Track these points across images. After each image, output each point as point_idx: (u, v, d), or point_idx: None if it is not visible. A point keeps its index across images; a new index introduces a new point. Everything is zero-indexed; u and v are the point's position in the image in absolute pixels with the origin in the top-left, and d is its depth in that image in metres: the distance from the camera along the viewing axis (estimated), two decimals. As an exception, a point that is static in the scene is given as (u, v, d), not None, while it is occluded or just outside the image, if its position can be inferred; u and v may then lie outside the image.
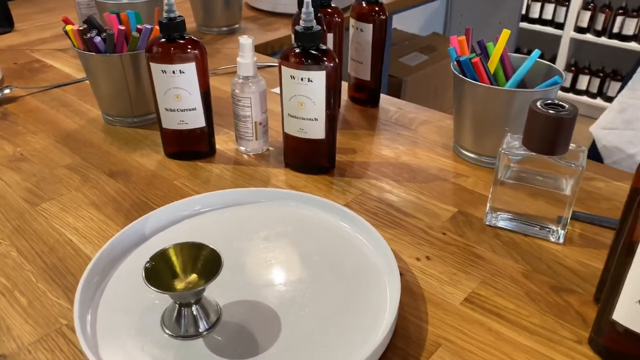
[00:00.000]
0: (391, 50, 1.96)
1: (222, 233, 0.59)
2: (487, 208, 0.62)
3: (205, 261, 0.47)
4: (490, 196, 0.61)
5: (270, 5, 1.37)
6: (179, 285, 0.46)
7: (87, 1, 1.15)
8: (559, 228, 0.59)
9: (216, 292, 0.50)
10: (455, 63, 0.70)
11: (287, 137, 0.71)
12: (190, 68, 0.68)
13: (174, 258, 0.47)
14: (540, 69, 0.72)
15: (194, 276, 0.47)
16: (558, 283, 0.54)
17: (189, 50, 0.68)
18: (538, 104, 0.55)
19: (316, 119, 0.68)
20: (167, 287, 0.45)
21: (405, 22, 2.29)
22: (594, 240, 0.60)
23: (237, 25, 1.28)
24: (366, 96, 0.91)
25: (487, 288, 0.53)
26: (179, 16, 0.67)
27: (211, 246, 0.47)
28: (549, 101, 0.56)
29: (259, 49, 1.18)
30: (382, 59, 0.88)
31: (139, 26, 0.79)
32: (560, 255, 0.58)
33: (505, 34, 0.70)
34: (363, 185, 0.70)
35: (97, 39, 0.76)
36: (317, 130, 0.69)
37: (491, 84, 0.69)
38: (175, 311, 0.47)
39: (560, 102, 0.56)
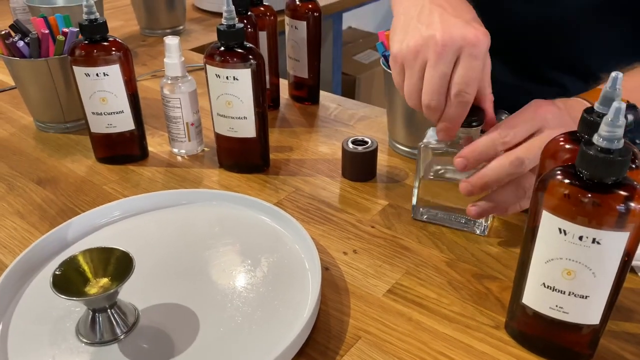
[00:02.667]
0: (345, 48, 1.97)
1: (144, 237, 0.58)
2: (413, 202, 0.62)
3: (117, 264, 0.46)
4: (414, 191, 0.61)
5: (215, 5, 1.36)
6: (92, 290, 0.45)
7: (22, 6, 1.12)
8: (482, 220, 0.59)
9: (135, 296, 0.49)
10: (382, 58, 0.71)
11: (218, 137, 0.71)
12: (115, 70, 0.67)
13: (84, 264, 0.46)
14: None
15: (105, 280, 0.46)
16: (480, 270, 0.55)
17: (112, 52, 0.67)
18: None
19: (245, 118, 0.67)
20: (78, 294, 0.44)
21: (360, 20, 2.30)
22: (518, 227, 0.61)
23: (181, 27, 1.26)
24: (305, 94, 0.91)
25: (411, 279, 0.54)
26: (100, 17, 0.66)
27: (121, 249, 0.46)
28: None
29: (204, 49, 1.17)
30: (319, 56, 0.88)
31: (64, 29, 0.77)
32: (485, 243, 0.59)
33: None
34: (297, 183, 0.70)
35: (21, 44, 0.74)
36: (247, 129, 0.68)
37: (419, 77, 0.70)
38: (90, 317, 0.46)
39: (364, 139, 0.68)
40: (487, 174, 0.51)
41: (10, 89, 0.98)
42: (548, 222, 0.40)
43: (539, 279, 0.42)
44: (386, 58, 0.70)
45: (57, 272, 0.45)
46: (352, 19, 2.23)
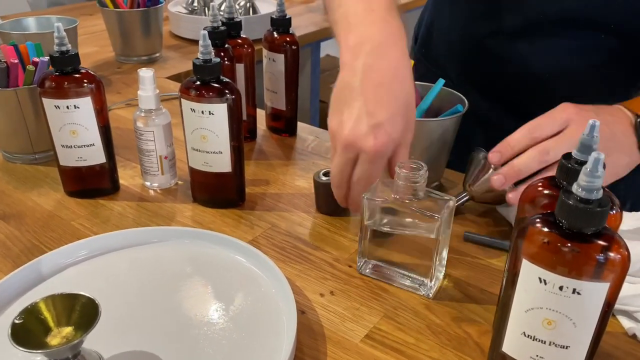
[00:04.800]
0: (323, 76, 1.97)
1: (112, 278, 0.56)
2: (358, 255, 0.59)
3: (81, 311, 0.43)
4: (359, 242, 0.58)
5: (192, 33, 1.35)
6: (54, 340, 0.43)
7: (-7, 31, 1.09)
8: (428, 281, 0.55)
9: (100, 343, 0.46)
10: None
11: (192, 171, 0.69)
12: (86, 103, 0.65)
13: (45, 312, 0.43)
14: (450, 96, 0.73)
15: (69, 330, 0.43)
16: (459, 313, 0.54)
17: (84, 84, 0.65)
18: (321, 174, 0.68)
19: (221, 152, 0.66)
20: (39, 344, 0.42)
21: (337, 48, 2.31)
22: (498, 268, 0.60)
23: (157, 54, 1.25)
24: (283, 125, 0.91)
25: (389, 322, 0.53)
26: (72, 49, 0.64)
27: (87, 295, 0.44)
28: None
29: (180, 77, 1.16)
30: (297, 88, 0.88)
31: (34, 59, 0.75)
32: (464, 285, 0.58)
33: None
34: (273, 219, 0.68)
35: (-12, 73, 0.72)
36: (222, 164, 0.67)
37: (396, 113, 0.69)
38: (51, 369, 0.44)
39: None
40: (516, 163, 0.57)
41: (-23, 117, 0.94)
42: (528, 270, 0.39)
43: (519, 327, 0.41)
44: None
45: (16, 321, 0.42)
46: (329, 47, 2.24)
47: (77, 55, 0.65)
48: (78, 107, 0.65)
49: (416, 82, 0.74)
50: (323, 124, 0.96)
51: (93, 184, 0.71)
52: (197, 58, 0.62)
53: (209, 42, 0.62)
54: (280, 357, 0.46)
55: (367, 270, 0.59)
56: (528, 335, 0.41)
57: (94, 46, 1.31)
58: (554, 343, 0.40)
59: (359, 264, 0.59)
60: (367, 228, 0.57)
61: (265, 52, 0.86)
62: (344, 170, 0.57)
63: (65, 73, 0.65)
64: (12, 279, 0.53)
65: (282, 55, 0.84)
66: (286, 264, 0.60)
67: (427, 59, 0.89)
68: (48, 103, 0.65)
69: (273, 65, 0.85)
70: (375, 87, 0.55)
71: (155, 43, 1.24)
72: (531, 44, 0.73)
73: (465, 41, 0.80)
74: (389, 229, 0.57)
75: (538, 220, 0.39)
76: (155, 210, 0.69)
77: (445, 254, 0.56)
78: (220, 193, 0.70)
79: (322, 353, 0.49)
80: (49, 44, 0.78)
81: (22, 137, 0.77)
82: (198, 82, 0.63)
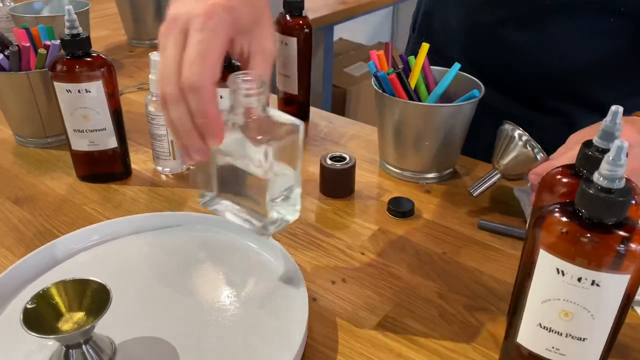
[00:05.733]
0: (336, 60, 1.96)
1: (124, 263, 0.56)
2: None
3: (93, 297, 0.43)
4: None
5: (205, 16, 1.34)
6: (65, 325, 0.43)
7: (5, 14, 1.09)
8: (271, 226, 0.48)
9: (111, 329, 0.46)
10: (374, 78, 0.69)
11: (204, 156, 0.68)
12: (98, 86, 0.65)
13: (57, 297, 0.43)
14: (465, 81, 0.71)
15: (80, 314, 0.43)
16: (473, 302, 0.53)
17: (95, 68, 0.64)
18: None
19: (232, 138, 0.65)
20: (51, 329, 0.42)
21: (351, 31, 2.29)
22: (512, 256, 0.59)
23: (169, 38, 1.24)
24: (295, 110, 0.90)
25: (401, 311, 0.52)
26: (83, 32, 0.64)
27: (98, 280, 0.44)
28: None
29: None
30: (309, 72, 0.87)
31: (46, 42, 0.74)
32: (477, 273, 0.57)
33: (424, 47, 0.70)
34: (285, 205, 0.68)
35: (0, 56, 0.72)
36: (234, 149, 0.66)
37: (411, 99, 0.68)
38: (63, 354, 0.44)
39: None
40: (554, 164, 0.51)
41: (-10, 100, 0.95)
42: (545, 260, 0.38)
43: (535, 318, 0.41)
44: (377, 78, 0.68)
45: (28, 306, 0.42)
46: (342, 31, 2.22)
47: (88, 38, 0.64)
48: (89, 91, 0.65)
49: (434, 67, 0.73)
50: (336, 109, 0.95)
51: (105, 168, 0.71)
52: (209, 41, 0.61)
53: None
54: (292, 344, 0.46)
55: (212, 207, 0.50)
56: (544, 327, 0.40)
57: (106, 29, 1.30)
58: (570, 335, 0.39)
59: (201, 201, 0.51)
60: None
61: (277, 35, 0.84)
62: (173, 62, 0.40)
63: (77, 56, 0.64)
64: (25, 263, 0.53)
65: (295, 39, 0.82)
66: (297, 251, 0.60)
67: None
68: (59, 87, 0.65)
69: (285, 48, 0.84)
70: None
71: (167, 26, 1.23)
72: (540, 31, 0.71)
73: (471, 30, 0.78)
74: (223, 157, 0.47)
75: (557, 209, 0.38)
76: (167, 195, 0.69)
77: (296, 191, 0.49)
78: (231, 178, 0.69)
79: (334, 340, 0.49)
80: (60, 28, 0.78)
81: (35, 121, 0.77)
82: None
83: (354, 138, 0.85)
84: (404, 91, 0.67)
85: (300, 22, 0.82)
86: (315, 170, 0.75)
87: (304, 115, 0.90)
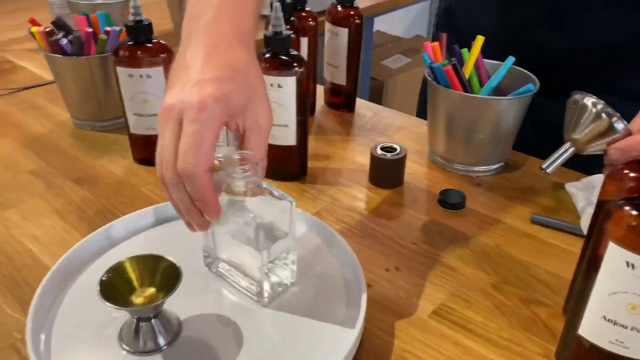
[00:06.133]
0: (373, 52, 1.96)
1: (186, 243, 0.58)
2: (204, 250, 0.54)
3: (163, 273, 0.45)
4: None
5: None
6: (137, 299, 0.45)
7: (60, 1, 1.13)
8: (266, 292, 0.49)
9: (176, 305, 0.48)
10: (428, 69, 0.69)
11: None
12: (158, 72, 0.67)
13: (130, 271, 0.45)
14: (518, 75, 0.71)
15: (152, 290, 0.45)
16: (528, 295, 0.53)
17: (156, 54, 0.66)
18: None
19: (287, 125, 0.66)
20: (124, 302, 0.44)
21: (389, 24, 2.28)
22: (566, 251, 0.59)
23: (215, 27, 1.26)
24: (342, 101, 0.90)
25: (456, 300, 0.53)
26: (146, 19, 0.65)
27: (170, 258, 0.45)
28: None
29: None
30: (358, 63, 0.87)
31: (107, 28, 0.77)
32: (531, 266, 0.57)
33: (480, 40, 0.69)
34: (335, 193, 0.69)
35: (64, 41, 0.74)
36: (287, 137, 0.67)
37: (465, 91, 0.68)
38: (133, 326, 0.46)
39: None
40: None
41: (46, 84, 0.98)
42: (614, 254, 0.38)
43: (600, 311, 0.41)
44: (432, 69, 0.68)
45: (103, 278, 0.44)
46: (380, 23, 2.21)
47: (150, 25, 0.66)
48: (150, 77, 0.67)
49: (487, 60, 0.72)
50: (372, 101, 0.96)
51: (161, 152, 0.73)
52: (268, 30, 0.63)
53: (281, 14, 0.62)
54: (351, 327, 0.47)
55: (214, 270, 0.54)
56: (609, 320, 0.40)
57: (153, 17, 1.32)
58: (636, 328, 0.39)
59: (205, 261, 0.54)
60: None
61: (328, 25, 0.85)
62: (170, 149, 0.42)
63: (139, 43, 0.66)
64: (91, 240, 0.56)
65: (346, 30, 0.83)
66: (350, 238, 0.61)
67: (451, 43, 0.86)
68: (122, 72, 0.67)
69: (335, 39, 0.85)
70: (207, 55, 0.44)
71: (213, 15, 1.25)
72: (572, 25, 0.70)
73: (500, 28, 0.76)
74: (220, 227, 0.50)
75: (626, 203, 0.38)
76: (220, 180, 0.71)
77: (292, 255, 0.51)
78: (283, 166, 0.71)
79: (390, 326, 0.50)
80: (115, 14, 0.81)
81: (92, 105, 0.80)
82: (268, 55, 0.63)
83: (400, 129, 0.85)
84: (459, 83, 0.67)
85: (352, 12, 0.83)
86: (362, 160, 0.76)
87: (350, 106, 0.91)
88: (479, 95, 0.68)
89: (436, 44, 0.70)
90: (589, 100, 0.58)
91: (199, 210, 0.45)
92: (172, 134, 0.42)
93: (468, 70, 0.71)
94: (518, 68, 0.71)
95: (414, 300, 0.52)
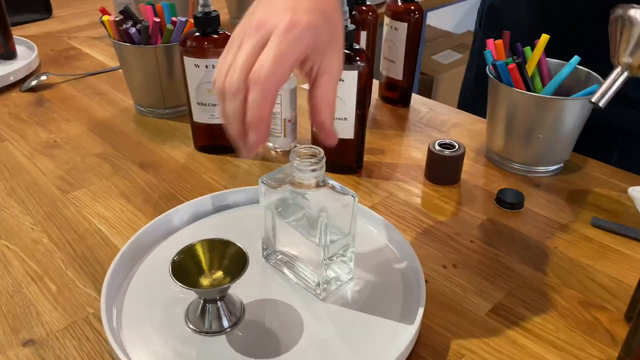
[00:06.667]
0: (424, 47, 1.94)
1: (248, 230, 0.59)
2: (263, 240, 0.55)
3: (231, 259, 0.47)
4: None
5: None
6: (205, 281, 0.47)
7: (124, -10, 1.16)
8: (323, 284, 0.50)
9: (240, 289, 0.50)
10: (491, 67, 0.69)
11: (315, 135, 0.71)
12: (223, 63, 0.68)
13: (201, 254, 0.47)
14: (581, 76, 0.70)
15: (219, 273, 0.47)
16: (587, 298, 0.53)
17: (222, 45, 0.68)
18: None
19: (346, 119, 0.67)
20: (193, 283, 0.46)
21: (440, 19, 2.25)
22: (628, 256, 0.58)
23: (270, 19, 1.27)
24: (397, 96, 0.90)
25: (514, 300, 0.52)
26: (214, 11, 0.67)
27: (238, 244, 0.47)
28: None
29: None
30: (416, 58, 0.87)
31: (173, 18, 0.79)
32: (592, 270, 0.56)
33: (544, 38, 0.68)
34: (390, 187, 0.69)
35: (133, 30, 0.77)
36: (346, 130, 0.68)
37: (528, 90, 0.68)
38: (200, 306, 0.48)
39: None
40: None
41: (109, 71, 1.02)
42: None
43: (669, 319, 0.40)
44: (495, 67, 0.68)
45: (175, 259, 0.46)
46: (431, 18, 2.18)
47: (218, 17, 0.68)
48: (215, 67, 0.68)
49: (549, 59, 0.71)
50: (422, 96, 0.95)
51: (222, 141, 0.75)
52: (333, 24, 0.63)
53: (347, 8, 0.62)
54: (409, 322, 0.48)
55: (272, 262, 0.55)
56: (679, 328, 0.40)
57: (210, 8, 1.35)
58: None
59: (263, 252, 0.55)
60: (266, 213, 0.52)
61: (387, 19, 0.85)
62: (248, 58, 0.42)
63: (206, 34, 0.68)
64: (158, 223, 0.58)
65: (405, 24, 0.83)
66: (405, 233, 0.61)
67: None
68: (188, 61, 0.69)
69: (394, 33, 0.85)
70: None
71: (269, 7, 1.26)
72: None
73: (546, 25, 0.74)
74: (282, 219, 0.51)
75: None
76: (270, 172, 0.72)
77: (350, 252, 0.52)
78: (340, 159, 0.72)
79: (448, 322, 0.50)
80: (179, 4, 0.83)
81: (156, 93, 0.83)
82: (331, 48, 0.64)
83: (456, 126, 0.84)
84: (522, 81, 0.67)
85: (412, 7, 0.83)
86: (418, 155, 0.76)
87: (405, 101, 0.91)
88: (544, 95, 0.67)
89: (499, 41, 0.70)
90: (634, 12, 0.50)
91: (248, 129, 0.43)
92: (254, 46, 0.42)
93: (531, 68, 0.70)
94: (582, 68, 0.70)
95: (471, 298, 0.53)
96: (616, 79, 0.53)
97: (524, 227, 0.62)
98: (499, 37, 0.70)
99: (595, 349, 0.48)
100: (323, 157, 0.48)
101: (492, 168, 0.73)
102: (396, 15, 0.84)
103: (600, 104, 0.53)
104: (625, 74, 0.53)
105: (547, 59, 0.71)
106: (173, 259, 0.46)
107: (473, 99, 1.02)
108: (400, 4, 0.83)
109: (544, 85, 0.71)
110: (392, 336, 0.47)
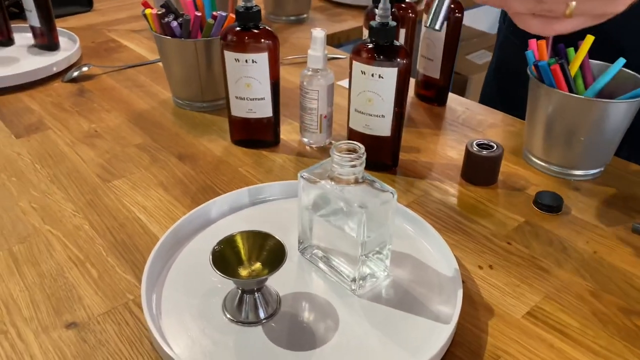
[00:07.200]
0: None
1: (283, 223, 0.60)
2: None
3: (270, 251, 0.47)
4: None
5: (340, -4, 1.36)
6: (243, 272, 0.47)
7: (162, -15, 1.18)
8: (358, 279, 0.50)
9: (276, 281, 0.51)
10: (532, 67, 0.68)
11: (351, 132, 0.71)
12: (263, 58, 0.69)
13: (240, 244, 0.48)
14: (626, 78, 0.68)
15: (258, 264, 0.47)
16: (628, 305, 0.52)
17: (262, 40, 0.69)
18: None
19: (383, 116, 0.67)
20: (232, 273, 0.46)
21: (475, 18, 2.22)
22: (670, 264, 0.57)
23: (305, 15, 1.28)
24: (434, 94, 0.90)
25: (552, 303, 0.52)
26: (255, 6, 0.68)
27: (277, 237, 0.47)
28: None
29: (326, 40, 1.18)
30: (454, 57, 0.86)
31: (214, 13, 0.80)
32: (632, 277, 0.55)
33: (589, 39, 0.67)
34: (426, 186, 0.69)
35: (174, 24, 0.78)
36: (383, 128, 0.68)
37: (570, 91, 0.66)
38: (238, 297, 0.48)
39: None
40: None
41: (148, 64, 1.04)
42: None
43: None
44: (537, 67, 0.67)
45: (215, 249, 0.47)
46: (465, 17, 2.16)
47: (259, 12, 0.68)
48: (255, 62, 0.69)
49: (592, 61, 0.70)
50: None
51: (258, 135, 0.76)
52: (374, 20, 0.63)
53: (389, 5, 0.62)
54: (445, 321, 0.48)
55: (308, 257, 0.55)
56: None
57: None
58: None
59: (299, 247, 0.56)
60: (303, 208, 0.53)
61: (426, 17, 0.85)
62: None
63: (247, 28, 0.69)
64: (197, 213, 0.59)
65: (445, 22, 0.82)
66: (441, 233, 0.61)
67: (516, 36, 0.80)
68: (229, 56, 0.70)
69: (433, 32, 0.84)
70: None
71: (304, 4, 1.27)
72: None
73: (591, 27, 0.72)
74: (319, 214, 0.52)
75: None
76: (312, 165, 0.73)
77: (387, 249, 0.52)
78: (375, 156, 0.71)
79: (484, 323, 0.50)
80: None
81: (194, 86, 0.84)
82: (371, 45, 0.64)
83: (493, 127, 0.84)
84: (565, 83, 0.66)
85: (452, 5, 0.82)
86: (454, 155, 0.76)
87: (441, 100, 0.90)
88: (587, 97, 0.65)
89: (542, 42, 0.69)
90: None
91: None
92: None
93: (574, 69, 0.68)
94: (627, 71, 0.68)
95: (508, 300, 0.52)
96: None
97: (562, 231, 0.61)
98: (522, 34, 0.68)
99: (636, 357, 0.47)
100: (363, 153, 0.48)
101: (530, 170, 0.72)
102: (435, 14, 0.83)
103: (437, 28, 0.49)
104: None
105: (590, 60, 0.70)
106: (214, 248, 0.47)
107: (492, 95, 1.01)
108: (439, 2, 0.82)
109: (586, 87, 0.69)
110: (428, 334, 0.47)
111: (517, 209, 0.65)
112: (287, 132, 0.80)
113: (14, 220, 0.62)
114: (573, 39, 0.69)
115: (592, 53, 0.68)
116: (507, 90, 0.96)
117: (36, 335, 0.48)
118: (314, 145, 0.77)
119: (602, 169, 0.71)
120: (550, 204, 0.64)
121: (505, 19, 0.91)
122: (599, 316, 0.51)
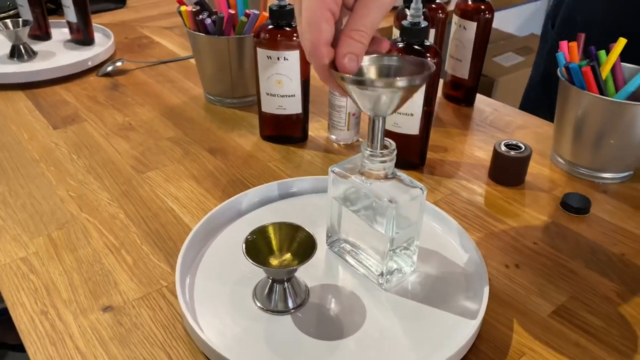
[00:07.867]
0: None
1: (311, 217, 0.61)
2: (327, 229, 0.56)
3: (300, 242, 0.49)
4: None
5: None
6: (274, 261, 0.49)
7: (195, -17, 1.20)
8: (386, 274, 0.51)
9: (305, 273, 0.52)
10: (563, 69, 0.68)
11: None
12: (295, 56, 0.70)
13: (272, 235, 0.49)
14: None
15: (288, 255, 0.49)
16: (656, 308, 0.52)
17: (295, 38, 0.70)
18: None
19: (412, 115, 0.68)
20: (263, 262, 0.48)
21: (503, 21, 2.21)
22: (700, 268, 0.56)
23: (334, 15, 1.29)
24: (462, 95, 0.90)
25: (578, 303, 0.52)
26: (289, 4, 0.69)
27: (307, 230, 0.49)
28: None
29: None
30: (483, 58, 0.87)
31: (247, 11, 0.82)
32: (660, 280, 0.55)
33: (621, 42, 0.67)
34: (453, 185, 0.70)
35: (208, 21, 0.80)
36: (411, 126, 0.69)
37: (601, 93, 0.66)
38: (268, 286, 0.50)
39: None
40: None
41: (180, 60, 1.06)
42: None
43: None
44: (567, 69, 0.67)
45: (248, 238, 0.48)
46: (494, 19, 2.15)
47: (292, 10, 0.69)
48: (287, 59, 0.71)
49: (623, 64, 0.70)
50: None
51: (287, 131, 0.77)
52: (406, 20, 0.64)
53: (421, 5, 0.63)
54: (471, 316, 0.48)
55: (336, 250, 0.56)
56: None
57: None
58: None
59: (327, 240, 0.57)
60: (332, 202, 0.53)
61: (455, 18, 0.85)
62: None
63: (280, 26, 0.70)
64: (229, 204, 0.61)
65: (475, 24, 0.83)
66: (468, 231, 0.61)
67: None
68: (261, 53, 0.71)
69: (463, 32, 0.84)
70: None
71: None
72: None
73: (623, 30, 0.71)
74: (348, 208, 0.52)
75: None
76: (339, 162, 0.74)
77: (415, 245, 0.52)
78: (403, 154, 0.72)
79: (509, 320, 0.50)
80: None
81: (225, 82, 0.86)
82: (401, 45, 0.65)
83: (521, 128, 0.84)
84: (595, 85, 0.66)
85: (482, 6, 0.82)
86: (481, 155, 0.76)
87: (469, 100, 0.90)
88: (618, 100, 0.65)
89: (573, 43, 0.69)
90: None
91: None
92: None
93: (605, 72, 0.68)
94: (659, 74, 0.68)
95: (534, 299, 0.53)
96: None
97: (589, 233, 0.61)
98: (571, 39, 0.69)
99: (662, 358, 0.47)
100: (394, 149, 0.49)
101: (558, 172, 0.72)
102: (465, 14, 0.83)
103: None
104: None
105: (622, 63, 0.70)
106: (246, 237, 0.48)
107: (537, 100, 1.00)
108: (470, 3, 0.83)
109: (617, 90, 0.69)
110: (454, 329, 0.48)
111: (544, 210, 0.65)
112: (315, 129, 0.82)
113: (53, 208, 0.64)
114: (605, 42, 0.69)
115: (624, 56, 0.68)
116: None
117: (75, 316, 0.50)
118: (341, 143, 0.78)
119: (631, 172, 0.71)
120: (577, 206, 0.64)
121: (554, 24, 0.89)
122: (626, 318, 0.51)
